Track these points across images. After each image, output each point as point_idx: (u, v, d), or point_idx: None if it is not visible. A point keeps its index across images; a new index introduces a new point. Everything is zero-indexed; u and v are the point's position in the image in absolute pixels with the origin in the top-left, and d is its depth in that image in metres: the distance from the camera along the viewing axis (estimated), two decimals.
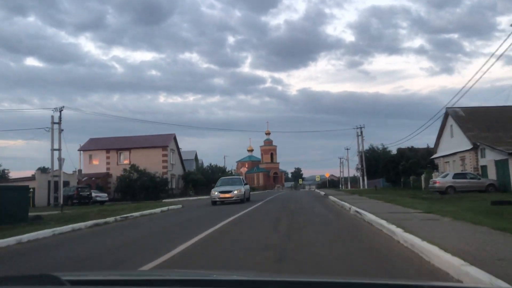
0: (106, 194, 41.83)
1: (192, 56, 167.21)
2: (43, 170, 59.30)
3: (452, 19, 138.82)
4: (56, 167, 36.88)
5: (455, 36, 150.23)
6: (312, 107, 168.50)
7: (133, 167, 47.14)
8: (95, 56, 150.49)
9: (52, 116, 36.69)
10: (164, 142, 50.67)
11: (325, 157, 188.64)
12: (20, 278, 1.64)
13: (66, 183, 42.46)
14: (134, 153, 50.25)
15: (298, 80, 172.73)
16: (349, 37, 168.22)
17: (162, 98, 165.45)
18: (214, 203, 21.17)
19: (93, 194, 39.89)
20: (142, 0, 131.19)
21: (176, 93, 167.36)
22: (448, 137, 38.18)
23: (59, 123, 37.08)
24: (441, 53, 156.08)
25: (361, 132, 59.37)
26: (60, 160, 22.74)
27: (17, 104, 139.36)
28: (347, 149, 64.09)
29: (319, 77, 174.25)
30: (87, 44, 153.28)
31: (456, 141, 35.64)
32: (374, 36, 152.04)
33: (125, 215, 14.32)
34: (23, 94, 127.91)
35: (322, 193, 34.18)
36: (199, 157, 74.67)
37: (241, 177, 25.66)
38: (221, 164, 68.16)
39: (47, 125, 35.65)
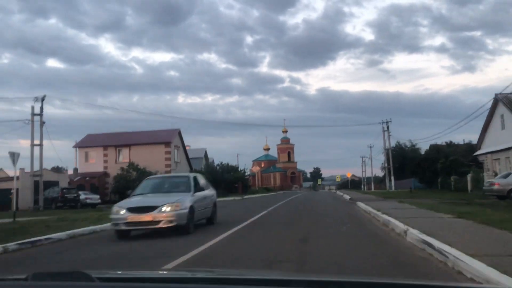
0: (98, 196, 36.80)
1: (211, 57, 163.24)
2: (56, 169, 55.03)
3: (474, 16, 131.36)
4: (36, 165, 32.26)
5: (477, 33, 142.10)
6: (331, 106, 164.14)
7: (131, 165, 42.12)
8: (115, 57, 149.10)
9: (33, 107, 31.93)
10: (167, 138, 45.53)
11: (346, 157, 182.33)
12: (53, 275, 1.68)
13: (55, 184, 37.92)
14: (134, 150, 45.24)
15: (317, 79, 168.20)
16: (368, 35, 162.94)
17: (181, 99, 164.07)
18: (120, 233, 9.87)
19: (83, 196, 35.05)
20: (161, 1, 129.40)
21: (194, 93, 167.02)
22: (498, 129, 31.74)
23: (40, 114, 32.38)
24: (463, 51, 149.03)
25: (387, 127, 53.20)
26: (14, 156, 17.72)
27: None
28: (370, 147, 57.73)
29: (338, 76, 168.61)
30: (107, 45, 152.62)
31: (510, 134, 29.27)
32: (394, 35, 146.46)
33: (30, 240, 8.97)
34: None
35: (347, 196, 28.14)
36: (211, 156, 69.39)
37: (191, 175, 12.19)
38: (234, 163, 62.29)
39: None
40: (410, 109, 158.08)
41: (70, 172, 46.30)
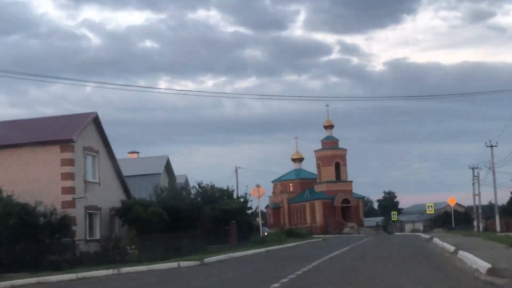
0: None
1: (210, 15, 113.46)
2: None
3: None
4: None
5: None
6: (410, 89, 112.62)
7: None
8: (56, 20, 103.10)
9: None
10: (67, 133, 21.75)
11: (438, 174, 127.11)
12: None
13: None
14: (3, 158, 21.88)
15: (385, 46, 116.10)
16: None
17: (163, 84, 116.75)
18: None
19: None
20: None
21: (185, 75, 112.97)
22: None
23: None
24: None
25: None
26: None
27: None
28: (491, 146, 30.38)
29: (421, 41, 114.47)
30: (43, 3, 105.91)
31: None
32: None
33: None
34: None
35: None
36: (194, 173, 41.85)
37: None
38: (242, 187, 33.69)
39: None
40: None
41: None
